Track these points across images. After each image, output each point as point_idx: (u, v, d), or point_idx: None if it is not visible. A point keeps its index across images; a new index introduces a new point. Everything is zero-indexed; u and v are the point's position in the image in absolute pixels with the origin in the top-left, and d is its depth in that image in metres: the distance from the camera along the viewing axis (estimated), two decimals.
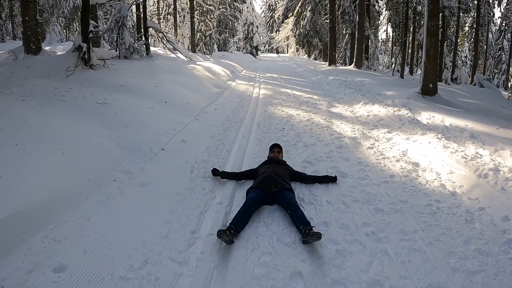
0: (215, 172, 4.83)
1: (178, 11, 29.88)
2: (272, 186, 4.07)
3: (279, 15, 45.30)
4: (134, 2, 15.80)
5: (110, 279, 2.83)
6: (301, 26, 34.20)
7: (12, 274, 2.76)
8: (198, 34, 27.32)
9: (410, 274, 2.94)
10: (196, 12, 27.11)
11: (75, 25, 33.93)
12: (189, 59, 15.94)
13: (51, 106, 5.74)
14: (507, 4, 31.24)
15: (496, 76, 34.55)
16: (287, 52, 57.79)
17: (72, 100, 6.25)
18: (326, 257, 3.16)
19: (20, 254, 2.98)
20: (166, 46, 15.40)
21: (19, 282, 2.71)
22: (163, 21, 32.02)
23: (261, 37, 48.68)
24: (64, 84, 7.02)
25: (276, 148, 5.22)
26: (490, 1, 27.28)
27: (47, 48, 15.87)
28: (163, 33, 15.03)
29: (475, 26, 24.72)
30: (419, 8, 21.19)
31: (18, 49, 10.40)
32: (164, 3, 33.16)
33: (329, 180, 4.72)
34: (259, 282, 2.85)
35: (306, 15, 32.94)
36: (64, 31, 32.94)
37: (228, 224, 3.52)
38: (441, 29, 17.38)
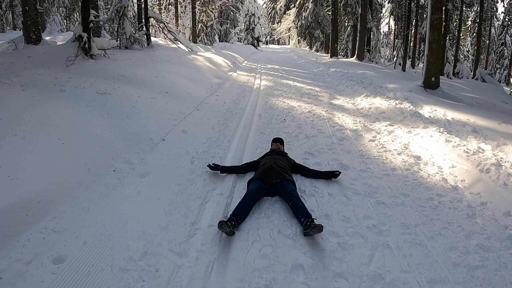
0: (212, 167, 4.62)
1: (180, 1, 29.65)
2: (273, 177, 4.05)
3: (281, 6, 44.95)
4: None
5: (109, 270, 2.81)
6: (303, 18, 33.91)
7: (10, 265, 2.74)
8: (199, 24, 27.17)
9: (412, 268, 2.93)
10: (197, 2, 26.94)
11: (75, 15, 33.79)
12: (190, 50, 15.85)
13: (51, 96, 5.69)
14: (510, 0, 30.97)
15: (498, 71, 34.44)
16: (289, 43, 57.42)
17: (72, 90, 6.20)
18: (327, 250, 3.15)
19: (19, 245, 2.95)
20: (167, 37, 15.27)
21: (18, 273, 2.69)
22: (164, 11, 31.80)
23: (263, 28, 48.36)
24: (64, 74, 6.96)
25: (277, 142, 5.22)
26: None
27: (47, 38, 15.72)
28: (164, 23, 14.89)
29: (478, 20, 24.51)
30: (422, 1, 21.07)
31: (18, 39, 10.31)
32: None
33: (330, 176, 4.52)
34: (259, 274, 2.83)
35: (308, 7, 32.66)
36: (65, 21, 32.78)
37: (229, 216, 3.51)
38: (444, 23, 17.25)
